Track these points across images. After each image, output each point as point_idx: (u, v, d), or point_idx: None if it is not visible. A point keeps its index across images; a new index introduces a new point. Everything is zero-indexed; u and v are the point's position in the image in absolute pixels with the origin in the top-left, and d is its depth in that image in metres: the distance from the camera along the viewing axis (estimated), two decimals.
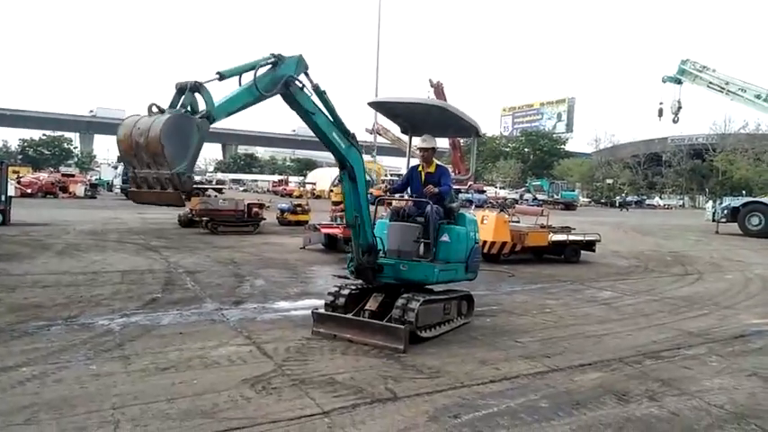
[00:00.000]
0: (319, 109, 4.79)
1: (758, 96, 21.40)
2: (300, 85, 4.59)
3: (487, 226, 11.49)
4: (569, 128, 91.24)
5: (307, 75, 4.67)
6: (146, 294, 6.98)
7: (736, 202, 23.01)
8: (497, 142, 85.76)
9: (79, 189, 36.25)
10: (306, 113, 4.69)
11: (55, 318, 5.65)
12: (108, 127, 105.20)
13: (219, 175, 74.17)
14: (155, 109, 3.76)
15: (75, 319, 5.67)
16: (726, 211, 22.36)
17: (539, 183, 54.84)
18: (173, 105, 3.85)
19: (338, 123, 4.96)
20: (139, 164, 3.78)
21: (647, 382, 4.41)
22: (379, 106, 6.63)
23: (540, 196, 47.50)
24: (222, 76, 4.06)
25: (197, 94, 3.89)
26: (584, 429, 3.47)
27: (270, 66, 4.38)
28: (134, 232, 14.83)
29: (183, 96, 3.86)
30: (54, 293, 6.84)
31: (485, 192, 44.87)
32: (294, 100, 4.58)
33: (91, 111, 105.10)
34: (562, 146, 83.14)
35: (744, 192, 39.29)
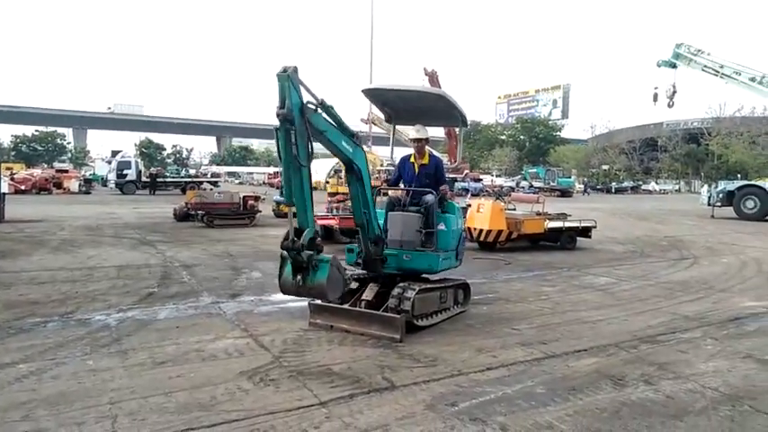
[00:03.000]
0: (330, 124, 4.57)
1: (753, 79, 21.37)
2: (314, 108, 4.27)
3: (483, 214, 11.51)
4: (565, 114, 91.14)
5: (307, 89, 4.20)
6: (142, 289, 6.97)
7: (732, 185, 23.05)
8: (493, 130, 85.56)
9: (73, 185, 36.16)
10: (319, 133, 4.38)
11: (51, 314, 5.64)
12: (101, 122, 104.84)
13: (215, 168, 73.83)
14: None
15: (72, 315, 5.66)
16: (721, 195, 22.41)
17: (535, 170, 54.81)
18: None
19: (343, 129, 4.77)
20: None
21: (642, 366, 4.44)
22: (373, 93, 6.53)
23: (536, 183, 47.51)
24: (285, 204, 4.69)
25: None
26: (581, 414, 3.49)
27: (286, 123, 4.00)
28: (130, 227, 14.80)
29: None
30: (50, 290, 6.82)
31: (481, 180, 44.83)
32: (309, 123, 4.16)
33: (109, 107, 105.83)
34: (558, 133, 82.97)
35: (739, 175, 39.37)
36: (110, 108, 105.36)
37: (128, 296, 6.56)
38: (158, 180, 37.98)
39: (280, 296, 6.79)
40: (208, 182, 38.92)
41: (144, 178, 37.65)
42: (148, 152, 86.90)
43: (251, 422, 3.27)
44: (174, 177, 40.59)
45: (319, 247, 4.32)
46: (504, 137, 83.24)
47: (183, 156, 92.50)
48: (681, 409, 3.61)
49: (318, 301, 5.66)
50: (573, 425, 3.34)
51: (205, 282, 7.56)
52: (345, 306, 5.49)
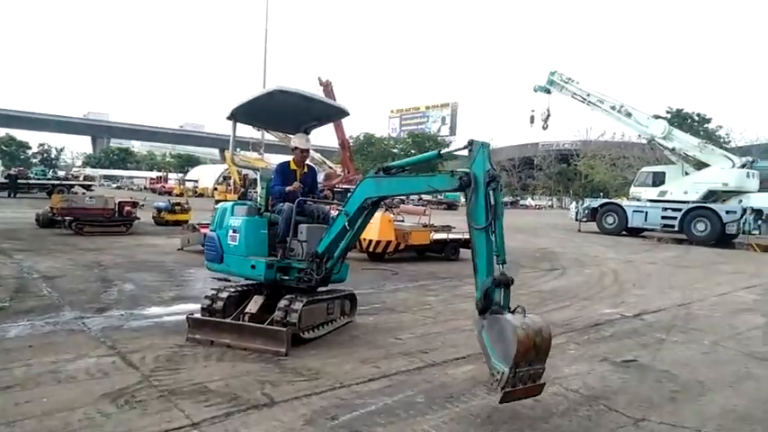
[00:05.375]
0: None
1: (613, 107, 23.81)
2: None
3: (373, 225, 11.65)
4: (453, 131, 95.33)
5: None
6: None
7: (595, 203, 25.54)
8: (386, 143, 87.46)
9: None
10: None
11: None
12: None
13: (88, 171, 68.09)
14: None
15: None
16: (586, 211, 24.75)
17: None
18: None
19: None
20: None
21: None
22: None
23: (424, 197, 49.16)
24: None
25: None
26: (456, 421, 3.61)
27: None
28: None
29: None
30: None
31: None
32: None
33: None
34: (446, 148, 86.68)
35: (602, 194, 43.67)
36: None
37: None
38: (20, 182, 34.17)
39: (154, 310, 6.38)
40: (80, 185, 35.76)
41: (1, 179, 33.67)
42: (9, 150, 78.17)
43: None
44: (39, 179, 36.78)
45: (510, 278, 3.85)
46: (396, 150, 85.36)
47: (52, 156, 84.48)
48: (546, 412, 3.86)
49: (197, 315, 5.38)
50: None
51: (68, 295, 6.87)
52: (227, 320, 5.25)
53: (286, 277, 5.36)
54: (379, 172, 4.84)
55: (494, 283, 3.72)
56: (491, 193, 3.88)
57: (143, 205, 17.00)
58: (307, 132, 6.36)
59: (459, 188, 4.04)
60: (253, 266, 5.33)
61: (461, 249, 13.00)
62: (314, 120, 6.41)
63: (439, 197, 49.85)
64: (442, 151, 4.81)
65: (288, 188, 5.72)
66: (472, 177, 3.93)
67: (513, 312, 3.63)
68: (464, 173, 3.99)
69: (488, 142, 4.15)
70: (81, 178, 43.59)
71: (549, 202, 76.04)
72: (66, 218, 14.06)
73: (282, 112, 6.17)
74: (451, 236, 12.90)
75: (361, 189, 4.91)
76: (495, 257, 3.88)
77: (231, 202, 6.00)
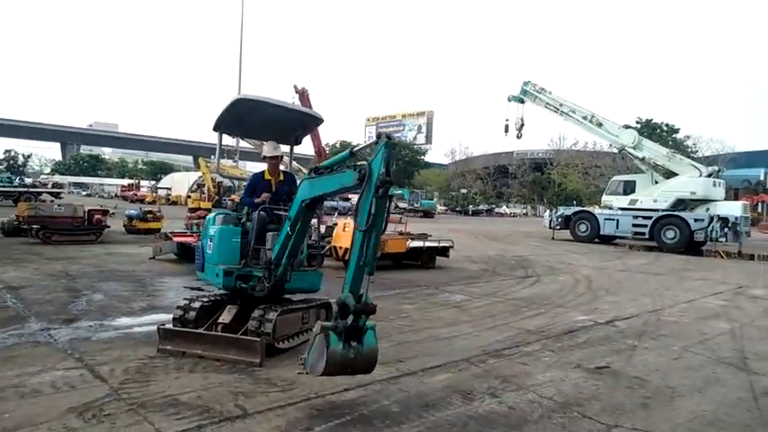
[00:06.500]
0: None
1: (585, 117, 24.31)
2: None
3: (349, 233, 11.61)
4: (428, 139, 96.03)
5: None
6: None
7: (568, 211, 25.92)
8: (362, 151, 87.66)
9: None
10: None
11: None
12: None
13: (57, 178, 66.45)
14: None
15: None
16: (560, 219, 25.10)
17: (400, 191, 56.97)
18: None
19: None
20: None
21: (489, 379, 4.71)
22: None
23: (401, 204, 49.31)
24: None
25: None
26: (432, 430, 3.60)
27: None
28: None
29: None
30: None
31: (350, 200, 45.45)
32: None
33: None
34: (422, 156, 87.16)
35: (574, 202, 44.35)
36: None
37: None
38: None
39: (124, 320, 6.24)
40: (48, 192, 34.91)
41: None
42: None
43: None
44: (5, 186, 35.76)
45: (371, 307, 3.86)
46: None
47: (19, 163, 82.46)
48: (521, 419, 3.88)
49: (169, 325, 5.27)
50: None
51: (35, 306, 6.66)
52: (200, 330, 5.16)
53: (245, 285, 5.29)
54: (311, 173, 4.74)
55: (355, 311, 3.73)
56: (374, 199, 3.73)
57: (113, 213, 16.66)
58: (297, 142, 6.34)
59: (359, 182, 3.88)
60: (217, 274, 5.29)
61: (437, 257, 13.07)
62: (298, 128, 6.37)
63: (415, 205, 50.13)
64: (354, 149, 4.76)
65: (256, 200, 5.70)
66: (367, 171, 3.79)
67: (351, 344, 3.67)
68: (364, 166, 3.85)
69: (394, 143, 3.96)
70: (49, 185, 42.53)
71: (524, 210, 76.91)
72: (33, 226, 13.68)
73: (266, 122, 6.13)
74: (428, 244, 12.94)
75: (299, 192, 4.83)
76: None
77: (216, 211, 5.97)
